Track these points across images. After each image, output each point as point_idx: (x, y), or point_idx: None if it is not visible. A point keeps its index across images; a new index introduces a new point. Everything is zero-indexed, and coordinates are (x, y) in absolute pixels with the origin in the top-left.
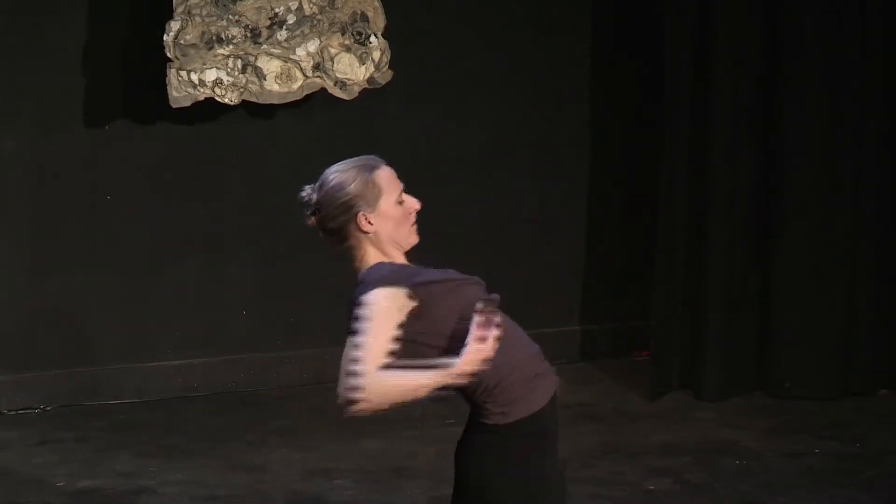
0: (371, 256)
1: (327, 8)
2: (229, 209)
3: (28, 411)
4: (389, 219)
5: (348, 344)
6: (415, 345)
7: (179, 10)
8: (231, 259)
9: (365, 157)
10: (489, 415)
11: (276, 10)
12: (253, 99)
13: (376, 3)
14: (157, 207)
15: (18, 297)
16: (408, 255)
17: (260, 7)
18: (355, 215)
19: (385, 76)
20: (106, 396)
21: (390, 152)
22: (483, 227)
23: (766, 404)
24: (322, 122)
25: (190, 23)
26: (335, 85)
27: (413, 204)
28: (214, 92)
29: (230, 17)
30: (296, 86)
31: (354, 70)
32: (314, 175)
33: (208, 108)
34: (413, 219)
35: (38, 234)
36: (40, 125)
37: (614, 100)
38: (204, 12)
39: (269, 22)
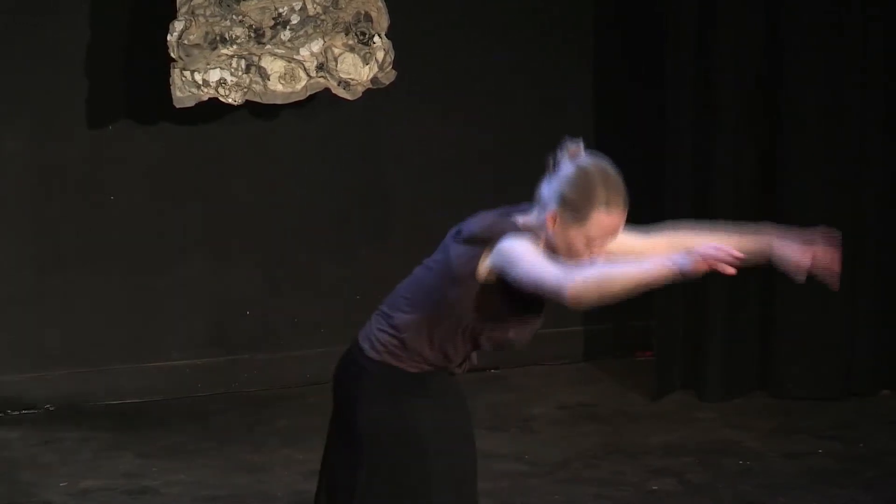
0: (531, 220)
1: (331, 8)
2: (232, 209)
3: (31, 411)
4: (566, 242)
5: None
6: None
7: (183, 10)
8: (234, 259)
9: (617, 185)
10: (374, 342)
11: (280, 10)
12: (256, 99)
13: (380, 4)
14: (160, 207)
15: (21, 296)
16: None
17: (264, 7)
18: (553, 210)
19: (389, 76)
20: (109, 396)
21: (394, 152)
22: None
23: (768, 405)
24: (326, 122)
25: (193, 23)
26: (339, 85)
27: (594, 252)
28: (218, 92)
29: (234, 17)
30: (299, 86)
31: (358, 70)
32: (317, 174)
33: (212, 109)
34: (582, 258)
35: (40, 233)
36: (42, 125)
37: (617, 100)
38: (207, 12)
39: (272, 22)
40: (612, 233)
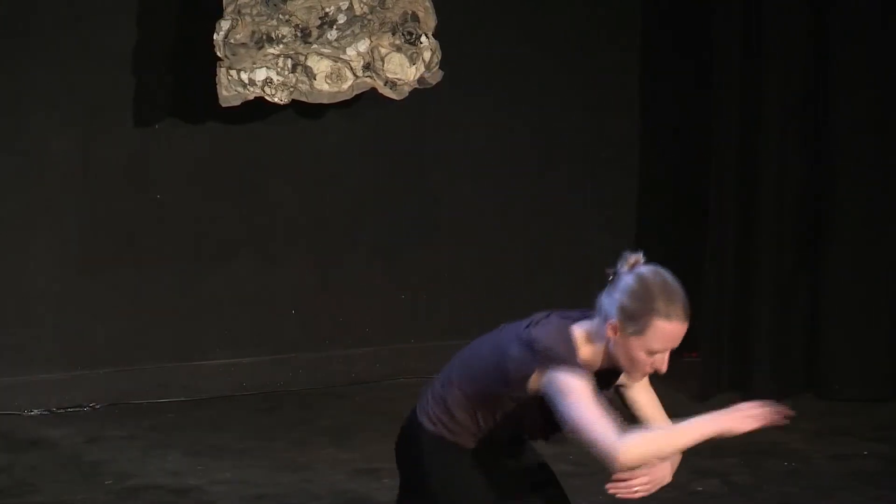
0: (589, 332)
1: (378, 8)
2: (278, 208)
3: (77, 409)
4: (627, 353)
5: (567, 416)
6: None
7: (230, 9)
8: (280, 258)
9: (676, 294)
10: (429, 414)
11: (327, 9)
12: (303, 98)
13: (427, 4)
14: (206, 206)
15: (68, 295)
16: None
17: (310, 7)
18: (614, 321)
19: (435, 76)
20: (154, 395)
21: (440, 152)
22: (531, 228)
23: (815, 406)
24: (372, 122)
25: (240, 22)
26: (385, 85)
27: (658, 365)
28: (264, 91)
29: (280, 16)
30: (346, 85)
31: (404, 70)
32: (363, 174)
33: (258, 108)
34: (648, 371)
35: (86, 232)
36: (89, 124)
37: (664, 100)
38: (254, 12)
39: (319, 21)
40: (674, 342)
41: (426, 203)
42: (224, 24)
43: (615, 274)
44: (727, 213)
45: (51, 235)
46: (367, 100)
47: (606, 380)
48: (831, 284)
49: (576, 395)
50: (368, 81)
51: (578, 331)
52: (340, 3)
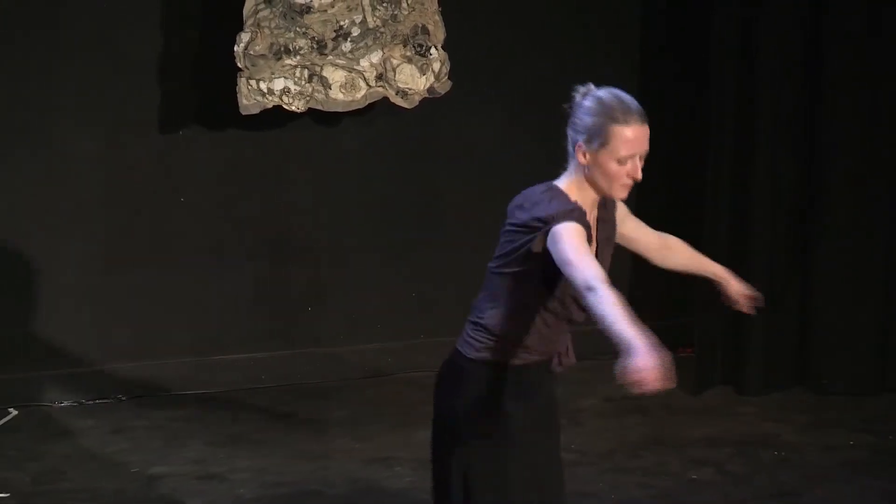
0: (570, 177)
1: (390, 21)
2: (295, 210)
3: (104, 401)
4: (601, 168)
5: (560, 258)
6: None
7: (249, 22)
8: (297, 258)
9: (631, 103)
10: (472, 342)
11: (342, 22)
12: (318, 107)
13: (437, 17)
14: (226, 208)
15: (95, 293)
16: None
17: (326, 20)
18: (578, 142)
19: (444, 86)
20: (177, 387)
21: (448, 157)
22: None
23: (805, 399)
24: (384, 130)
25: (259, 34)
26: (397, 94)
27: (632, 172)
28: (282, 100)
29: (298, 29)
30: (359, 95)
31: (415, 80)
32: (376, 178)
33: (276, 116)
34: (626, 182)
35: (113, 232)
36: (117, 130)
37: (662, 104)
38: (273, 24)
39: (334, 34)
40: (638, 145)
41: (435, 205)
42: (244, 37)
43: (572, 105)
44: (721, 215)
45: (78, 236)
46: (380, 108)
47: (603, 217)
48: (821, 285)
49: (567, 238)
50: (381, 91)
51: (563, 183)
52: (354, 17)
